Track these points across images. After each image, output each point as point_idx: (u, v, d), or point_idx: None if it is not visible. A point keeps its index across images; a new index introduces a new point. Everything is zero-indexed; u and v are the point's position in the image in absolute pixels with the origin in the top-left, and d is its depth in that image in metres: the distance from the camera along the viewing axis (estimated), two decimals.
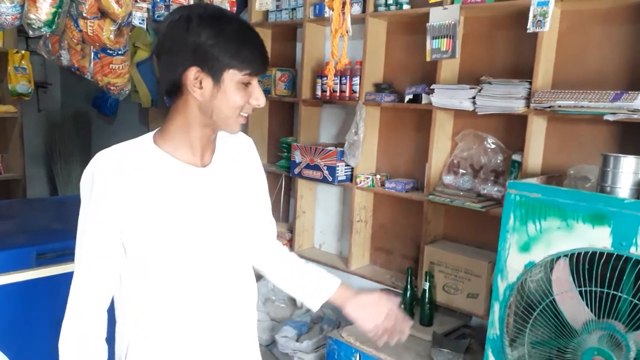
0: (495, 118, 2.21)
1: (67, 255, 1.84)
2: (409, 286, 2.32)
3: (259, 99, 1.06)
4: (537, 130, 2.05)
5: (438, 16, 2.19)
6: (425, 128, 2.40)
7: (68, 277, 1.10)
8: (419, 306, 2.30)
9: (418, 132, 2.55)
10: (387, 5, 2.43)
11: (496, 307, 1.50)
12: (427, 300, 2.25)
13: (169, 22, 1.03)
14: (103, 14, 2.04)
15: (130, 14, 2.14)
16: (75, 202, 1.09)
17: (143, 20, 2.40)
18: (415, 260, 2.58)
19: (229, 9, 2.30)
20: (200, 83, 1.01)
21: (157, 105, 3.70)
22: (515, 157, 2.16)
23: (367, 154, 2.67)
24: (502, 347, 1.49)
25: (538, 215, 1.39)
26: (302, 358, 2.56)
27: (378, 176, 2.61)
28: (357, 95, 2.58)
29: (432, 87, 2.26)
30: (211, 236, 1.11)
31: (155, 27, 3.31)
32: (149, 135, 1.10)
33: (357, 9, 2.51)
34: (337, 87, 2.64)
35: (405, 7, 2.39)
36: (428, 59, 2.25)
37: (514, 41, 2.20)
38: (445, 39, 2.19)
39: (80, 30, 2.12)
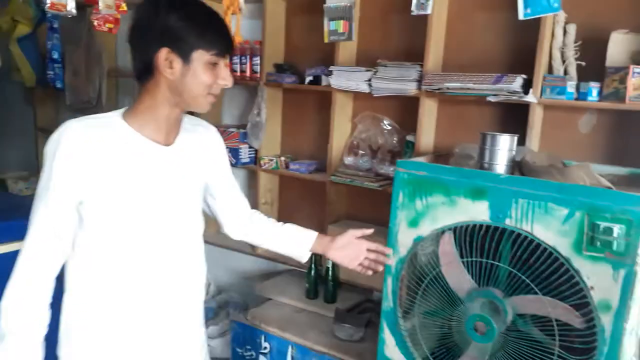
0: (391, 100, 2.28)
1: None
2: (313, 266, 2.35)
3: (226, 79, 1.14)
4: (428, 112, 2.15)
5: None
6: (326, 110, 2.42)
7: None
8: (323, 284, 2.34)
9: (320, 113, 2.57)
10: None
11: (389, 281, 1.56)
12: (330, 278, 2.30)
13: (137, 7, 1.12)
14: None
15: None
16: None
17: None
18: None
19: None
20: (171, 64, 1.08)
21: (42, 83, 3.40)
22: (409, 137, 2.25)
23: (270, 135, 2.65)
24: (396, 318, 1.56)
25: (424, 192, 1.46)
26: (209, 343, 2.52)
27: (282, 158, 2.60)
28: (258, 75, 2.54)
29: (330, 68, 2.28)
30: (167, 212, 1.18)
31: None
32: (119, 112, 1.16)
33: None
34: (238, 67, 2.58)
35: None
36: (326, 40, 2.26)
37: (407, 25, 2.27)
38: (342, 21, 2.21)
39: None
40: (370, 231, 1.47)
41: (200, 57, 1.09)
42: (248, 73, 2.57)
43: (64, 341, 1.19)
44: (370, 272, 1.48)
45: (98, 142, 1.08)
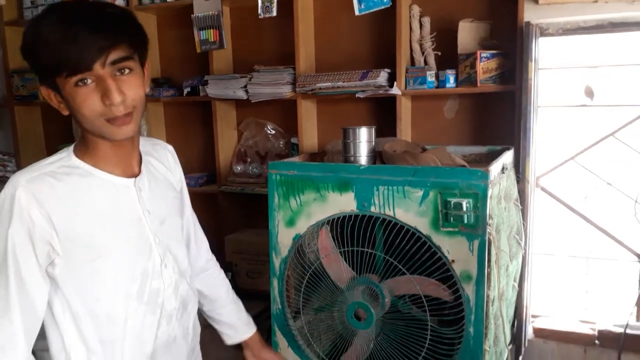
0: (272, 105, 2.30)
1: None
2: None
3: (109, 98, 0.89)
4: (307, 113, 2.19)
5: (201, 7, 2.19)
6: (210, 120, 2.39)
7: None
8: None
9: (205, 124, 2.54)
10: None
11: (275, 283, 1.57)
12: None
13: None
14: None
15: None
16: None
17: None
18: (221, 253, 2.58)
19: None
20: (53, 99, 0.95)
21: None
22: (294, 140, 2.28)
23: None
24: (285, 319, 1.57)
25: (297, 190, 1.49)
26: None
27: None
28: None
29: (205, 78, 2.26)
30: (152, 253, 1.06)
31: None
32: (69, 149, 1.02)
33: (121, 2, 2.38)
34: None
35: None
36: (198, 50, 2.24)
37: (280, 29, 2.30)
38: (212, 30, 2.20)
39: None
40: None
41: (63, 82, 0.90)
42: None
43: None
44: None
45: (55, 193, 0.93)
